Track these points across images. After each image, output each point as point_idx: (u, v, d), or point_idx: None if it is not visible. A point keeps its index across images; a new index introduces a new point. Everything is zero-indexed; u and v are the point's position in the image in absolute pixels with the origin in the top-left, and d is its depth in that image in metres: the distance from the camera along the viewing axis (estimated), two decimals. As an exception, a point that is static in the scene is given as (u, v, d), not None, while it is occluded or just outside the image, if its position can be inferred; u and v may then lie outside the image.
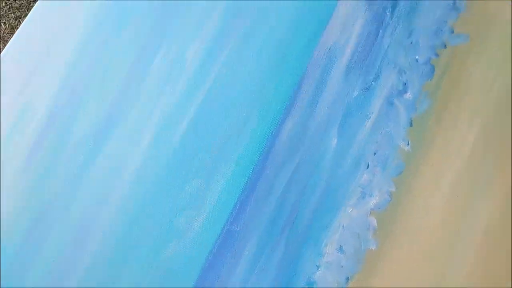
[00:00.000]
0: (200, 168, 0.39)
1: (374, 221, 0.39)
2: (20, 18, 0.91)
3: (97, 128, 0.40)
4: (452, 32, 0.43)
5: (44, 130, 0.40)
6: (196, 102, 0.40)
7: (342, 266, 0.39)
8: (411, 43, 0.42)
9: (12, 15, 0.90)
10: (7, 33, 0.90)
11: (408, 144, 0.41)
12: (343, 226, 0.39)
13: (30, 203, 0.39)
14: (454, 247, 0.38)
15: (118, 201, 0.39)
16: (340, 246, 0.39)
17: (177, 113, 0.40)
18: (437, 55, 0.42)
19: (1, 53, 0.41)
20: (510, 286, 0.38)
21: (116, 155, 0.40)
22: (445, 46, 0.42)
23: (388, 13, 0.43)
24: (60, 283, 0.37)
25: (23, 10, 0.92)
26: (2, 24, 0.88)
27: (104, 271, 0.38)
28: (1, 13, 0.90)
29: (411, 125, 0.41)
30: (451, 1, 0.43)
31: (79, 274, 0.37)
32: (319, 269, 0.38)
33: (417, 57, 0.42)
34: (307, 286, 0.38)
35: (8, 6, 0.90)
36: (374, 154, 0.40)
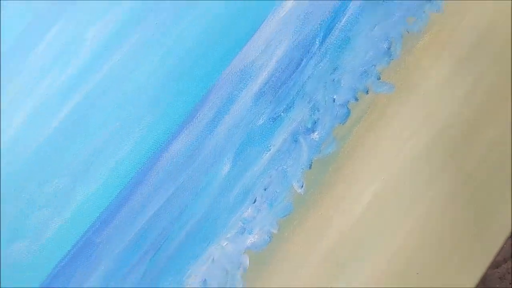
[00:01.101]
0: (71, 166, 0.35)
1: (246, 260, 0.37)
2: None
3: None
4: (379, 78, 0.40)
5: None
6: (82, 92, 0.36)
7: (200, 302, 0.36)
8: (333, 80, 0.39)
9: None
10: None
11: (302, 186, 0.38)
12: (213, 259, 0.36)
13: None
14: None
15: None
16: (205, 279, 0.36)
17: (60, 98, 0.36)
18: (356, 99, 0.39)
19: None
20: None
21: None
22: (367, 92, 0.40)
23: (317, 42, 0.39)
24: None
25: None
26: None
27: None
28: None
29: (310, 167, 0.38)
30: (386, 45, 0.41)
31: None
32: (176, 301, 0.36)
33: (335, 96, 0.39)
34: (158, 316, 0.35)
35: None
36: (265, 189, 0.38)
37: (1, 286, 0.32)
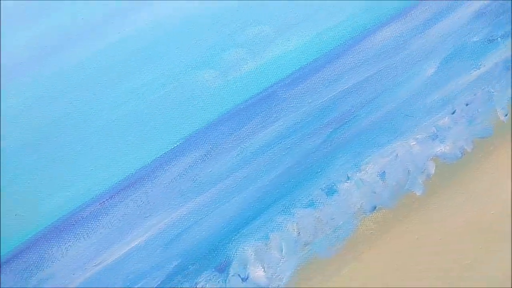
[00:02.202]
0: (279, 17, 0.34)
1: (432, 167, 0.32)
2: None
3: None
4: None
5: None
6: None
7: (374, 193, 0.32)
8: (558, 24, 0.37)
9: None
10: None
11: (506, 115, 0.34)
12: (397, 155, 0.33)
13: None
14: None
15: None
16: (384, 172, 0.32)
17: None
18: None
19: None
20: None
21: None
22: None
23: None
24: None
25: None
26: None
27: None
28: None
29: (519, 99, 0.35)
30: None
31: None
32: (348, 181, 0.32)
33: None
34: (325, 190, 0.31)
35: None
36: (466, 105, 0.34)
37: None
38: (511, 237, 0.31)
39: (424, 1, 0.36)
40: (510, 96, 0.35)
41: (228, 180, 0.31)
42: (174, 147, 0.31)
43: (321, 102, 0.33)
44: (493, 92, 0.35)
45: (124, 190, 0.30)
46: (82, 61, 0.31)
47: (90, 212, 0.29)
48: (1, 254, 0.28)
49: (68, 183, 0.29)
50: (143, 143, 0.31)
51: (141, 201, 0.30)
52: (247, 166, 0.31)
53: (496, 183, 0.32)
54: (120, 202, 0.30)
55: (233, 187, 0.31)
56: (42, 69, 0.30)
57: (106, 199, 0.30)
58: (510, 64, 0.35)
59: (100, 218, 0.29)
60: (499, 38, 0.36)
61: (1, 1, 0.30)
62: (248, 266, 0.30)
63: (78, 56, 0.31)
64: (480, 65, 0.35)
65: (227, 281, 0.29)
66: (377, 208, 0.31)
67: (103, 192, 0.30)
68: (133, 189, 0.30)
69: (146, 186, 0.30)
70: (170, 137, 0.31)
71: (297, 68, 0.34)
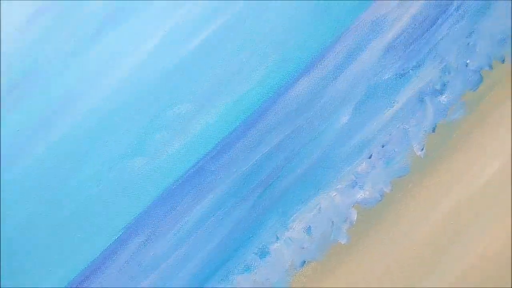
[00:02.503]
0: (196, 94, 0.36)
1: (354, 215, 0.35)
2: None
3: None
4: (518, 48, 0.37)
5: None
6: (216, 23, 0.36)
7: (303, 248, 0.35)
8: (468, 44, 0.37)
9: None
10: None
11: (422, 149, 0.36)
12: (320, 208, 0.35)
13: None
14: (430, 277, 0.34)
15: (108, 89, 0.36)
16: (309, 226, 0.35)
17: (193, 27, 0.36)
18: (491, 67, 0.37)
19: None
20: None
21: (118, 46, 0.36)
22: (503, 61, 0.37)
23: (455, 4, 0.37)
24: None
25: None
26: None
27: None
28: None
29: (433, 131, 0.36)
30: (531, 15, 0.38)
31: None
32: (278, 242, 0.35)
33: (468, 61, 0.37)
34: (257, 253, 0.35)
35: None
36: (383, 146, 0.36)
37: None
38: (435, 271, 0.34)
39: (333, 48, 0.37)
40: (425, 129, 0.36)
41: (170, 259, 0.35)
42: (118, 237, 0.35)
43: (246, 169, 0.36)
44: (408, 129, 0.36)
45: (79, 286, 0.34)
46: (17, 174, 0.34)
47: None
48: None
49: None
50: (89, 239, 0.34)
51: (97, 292, 0.34)
52: (185, 243, 0.35)
53: (417, 222, 0.35)
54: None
55: (175, 266, 0.35)
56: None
57: (66, 297, 0.34)
58: (425, 96, 0.37)
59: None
60: (410, 71, 0.37)
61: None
62: (198, 334, 0.34)
63: (12, 172, 0.34)
64: (394, 102, 0.37)
65: None
66: (306, 262, 0.35)
67: (61, 292, 0.34)
68: (88, 282, 0.34)
69: (99, 278, 0.34)
70: (112, 228, 0.35)
71: (220, 139, 0.36)
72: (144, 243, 0.34)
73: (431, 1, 0.37)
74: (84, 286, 0.34)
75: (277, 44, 0.36)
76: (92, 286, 0.34)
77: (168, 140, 0.35)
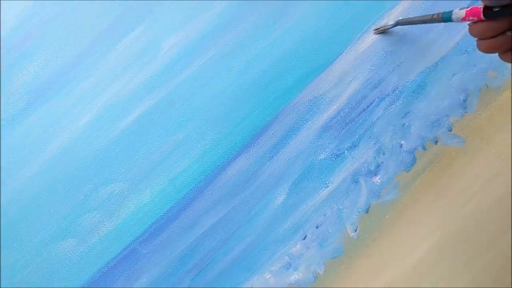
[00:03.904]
0: (129, 173, 0.35)
1: (287, 298, 0.35)
2: None
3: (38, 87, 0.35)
4: (450, 130, 0.38)
5: None
6: (151, 101, 0.36)
7: (235, 332, 0.35)
8: (403, 125, 0.38)
9: None
10: None
11: (355, 230, 0.37)
12: (253, 290, 0.35)
13: None
14: None
15: (37, 166, 0.35)
16: (243, 310, 0.35)
17: (128, 104, 0.36)
18: (424, 148, 0.38)
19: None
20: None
21: (49, 121, 0.35)
22: (436, 142, 0.38)
23: (391, 84, 0.38)
24: None
25: None
26: None
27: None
28: None
29: (367, 211, 0.37)
30: (462, 97, 0.39)
31: None
32: (211, 326, 0.35)
33: (402, 142, 0.38)
34: None
35: None
36: (317, 227, 0.37)
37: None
38: None
39: (270, 126, 0.37)
40: (359, 209, 0.37)
41: None
42: (45, 324, 0.34)
43: (180, 251, 0.35)
44: (342, 209, 0.37)
45: None
46: None
47: None
48: None
49: None
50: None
51: None
52: (115, 330, 0.34)
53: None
54: None
55: None
56: None
57: None
58: (359, 177, 0.37)
59: None
60: (345, 151, 0.37)
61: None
62: None
63: None
64: (329, 183, 0.37)
65: None
66: None
67: None
68: None
69: None
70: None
71: (153, 220, 0.36)
72: (73, 329, 0.34)
73: (368, 81, 0.38)
74: None
75: (214, 122, 0.36)
76: None
77: (100, 221, 0.35)
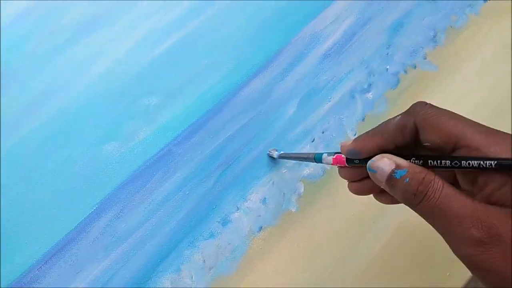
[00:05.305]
0: (165, 88, 0.42)
1: (301, 187, 0.42)
2: None
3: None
4: (425, 58, 0.47)
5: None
6: (182, 32, 0.43)
7: (259, 216, 0.41)
8: (387, 54, 0.47)
9: None
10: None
11: (355, 134, 0.44)
12: (273, 182, 0.42)
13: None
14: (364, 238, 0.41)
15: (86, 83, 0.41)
16: (265, 198, 0.41)
17: (164, 34, 0.43)
18: (405, 71, 0.47)
19: None
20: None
21: (95, 48, 0.42)
22: (415, 67, 0.47)
23: (369, 23, 0.47)
24: None
25: None
26: None
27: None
28: None
29: (363, 120, 0.45)
30: (432, 34, 0.49)
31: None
32: (238, 211, 0.40)
33: (388, 66, 0.46)
34: (220, 222, 0.40)
35: None
36: (323, 132, 0.44)
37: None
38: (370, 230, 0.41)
39: (280, 54, 0.45)
40: (356, 118, 0.45)
41: (141, 230, 0.39)
42: (92, 211, 0.38)
43: (209, 151, 0.42)
44: (342, 118, 0.44)
45: (56, 255, 0.37)
46: (7, 149, 0.38)
47: (31, 278, 0.36)
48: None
49: (9, 257, 0.36)
50: (65, 213, 0.38)
51: (72, 260, 0.37)
52: (155, 216, 0.39)
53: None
54: (54, 265, 0.37)
55: (146, 235, 0.39)
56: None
57: (42, 265, 0.36)
58: (355, 93, 0.45)
59: (40, 281, 0.36)
60: (343, 74, 0.46)
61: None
62: (166, 295, 0.38)
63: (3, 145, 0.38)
64: (330, 98, 0.45)
65: (150, 310, 0.37)
66: (263, 228, 0.40)
67: (38, 260, 0.36)
68: (63, 252, 0.37)
69: (74, 248, 0.37)
70: (87, 204, 0.38)
71: (186, 126, 0.42)
72: (117, 216, 0.39)
73: (358, 20, 0.47)
74: (59, 257, 0.37)
75: (235, 50, 0.44)
76: (66, 257, 0.37)
77: (139, 127, 0.41)
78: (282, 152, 0.40)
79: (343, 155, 0.28)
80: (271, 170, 0.42)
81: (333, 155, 0.29)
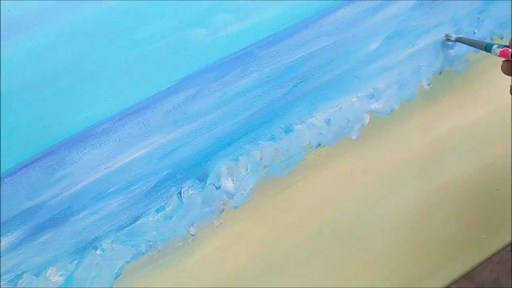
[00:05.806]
0: (263, -9, 0.43)
1: (367, 119, 0.43)
2: None
3: None
4: (514, 32, 0.47)
5: None
6: None
7: (320, 134, 0.42)
8: (478, 18, 0.47)
9: None
10: None
11: (429, 85, 0.45)
12: (341, 107, 0.43)
13: None
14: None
15: None
16: (330, 119, 0.42)
17: None
18: (492, 39, 0.47)
19: None
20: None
21: None
22: (501, 38, 0.47)
23: (475, -14, 0.47)
24: None
25: None
26: None
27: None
28: None
29: (440, 73, 0.45)
30: (528, 11, 0.48)
31: None
32: (302, 124, 0.42)
33: (476, 30, 0.47)
34: (283, 128, 0.41)
35: None
36: (399, 74, 0.44)
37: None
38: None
39: (377, -10, 0.45)
40: (434, 70, 0.45)
41: (212, 115, 0.41)
42: (170, 86, 0.40)
43: (288, 62, 0.43)
44: (421, 66, 0.45)
45: (130, 115, 0.39)
46: (94, 14, 0.39)
47: (103, 129, 0.38)
48: (33, 154, 0.37)
49: (88, 106, 0.38)
50: (146, 80, 0.40)
51: (143, 124, 0.39)
52: (227, 106, 0.41)
53: (417, 135, 0.43)
54: (127, 123, 0.39)
55: (215, 120, 0.40)
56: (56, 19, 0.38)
57: (116, 120, 0.39)
58: (439, 46, 0.46)
59: (110, 134, 0.38)
60: (432, 25, 0.46)
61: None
62: (221, 179, 0.40)
63: (90, 10, 0.39)
64: (414, 44, 0.45)
65: (204, 188, 0.39)
66: (321, 145, 0.42)
67: (114, 115, 0.39)
68: (137, 115, 0.39)
69: (147, 114, 0.39)
70: (168, 78, 0.40)
71: (271, 33, 0.43)
72: (192, 97, 0.40)
73: (457, -21, 0.47)
74: (132, 118, 0.39)
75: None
76: (139, 120, 0.39)
77: (230, 21, 0.42)
78: (460, 35, 0.43)
79: (510, 49, 0.30)
80: (342, 95, 0.43)
81: (502, 48, 0.32)
